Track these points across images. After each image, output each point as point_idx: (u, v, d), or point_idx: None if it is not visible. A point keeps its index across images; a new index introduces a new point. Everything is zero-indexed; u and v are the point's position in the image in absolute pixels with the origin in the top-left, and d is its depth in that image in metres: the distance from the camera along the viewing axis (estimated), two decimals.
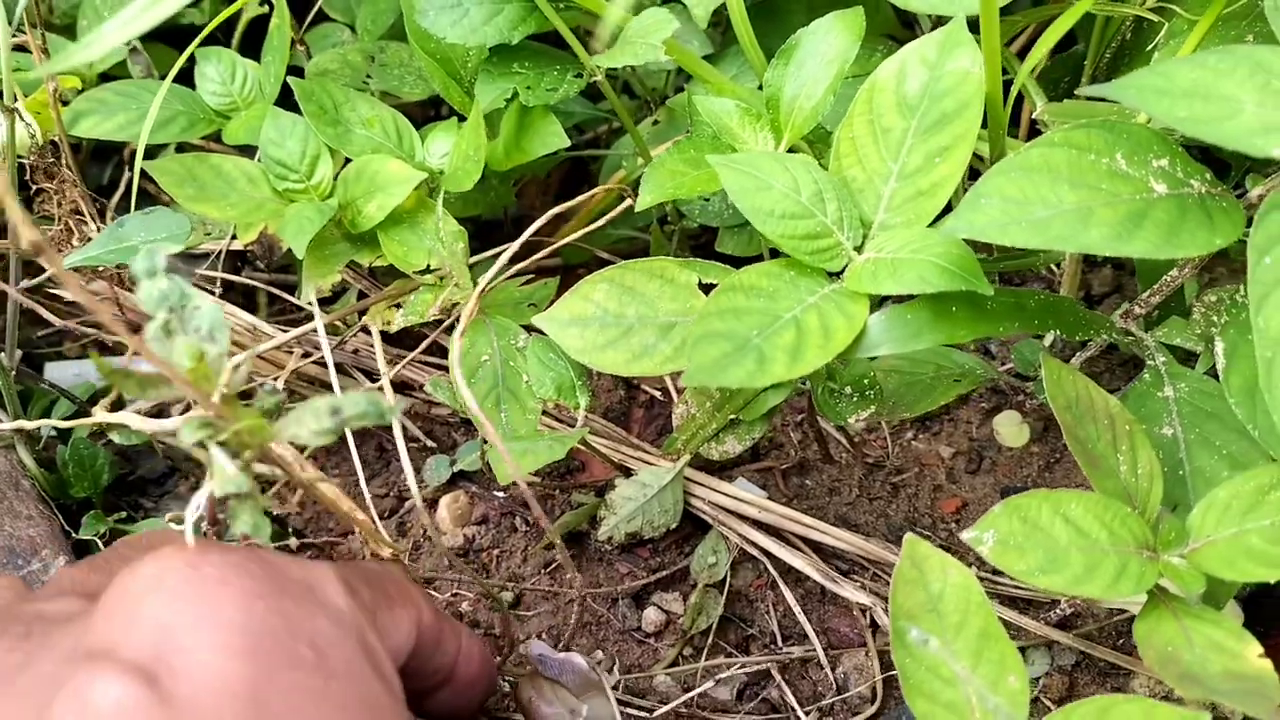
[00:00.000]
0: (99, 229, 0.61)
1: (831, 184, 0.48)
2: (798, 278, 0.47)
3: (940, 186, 0.47)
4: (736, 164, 0.48)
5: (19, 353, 0.64)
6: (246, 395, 0.35)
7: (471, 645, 0.44)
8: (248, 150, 0.65)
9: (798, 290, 0.46)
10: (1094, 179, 0.43)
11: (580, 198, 0.66)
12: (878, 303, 0.46)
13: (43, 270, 0.62)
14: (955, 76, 0.48)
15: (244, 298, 0.72)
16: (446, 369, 0.64)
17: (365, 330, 0.64)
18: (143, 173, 0.61)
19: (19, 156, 0.61)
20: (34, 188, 0.62)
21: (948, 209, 0.47)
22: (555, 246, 0.63)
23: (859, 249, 0.47)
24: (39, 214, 0.63)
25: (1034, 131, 0.63)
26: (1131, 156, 0.44)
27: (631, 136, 0.68)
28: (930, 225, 0.47)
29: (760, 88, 0.66)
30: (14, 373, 0.63)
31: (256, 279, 0.71)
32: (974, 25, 0.48)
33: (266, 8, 0.76)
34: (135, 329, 0.52)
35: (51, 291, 0.65)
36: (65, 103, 0.64)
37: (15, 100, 0.58)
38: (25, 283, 0.62)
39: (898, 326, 0.45)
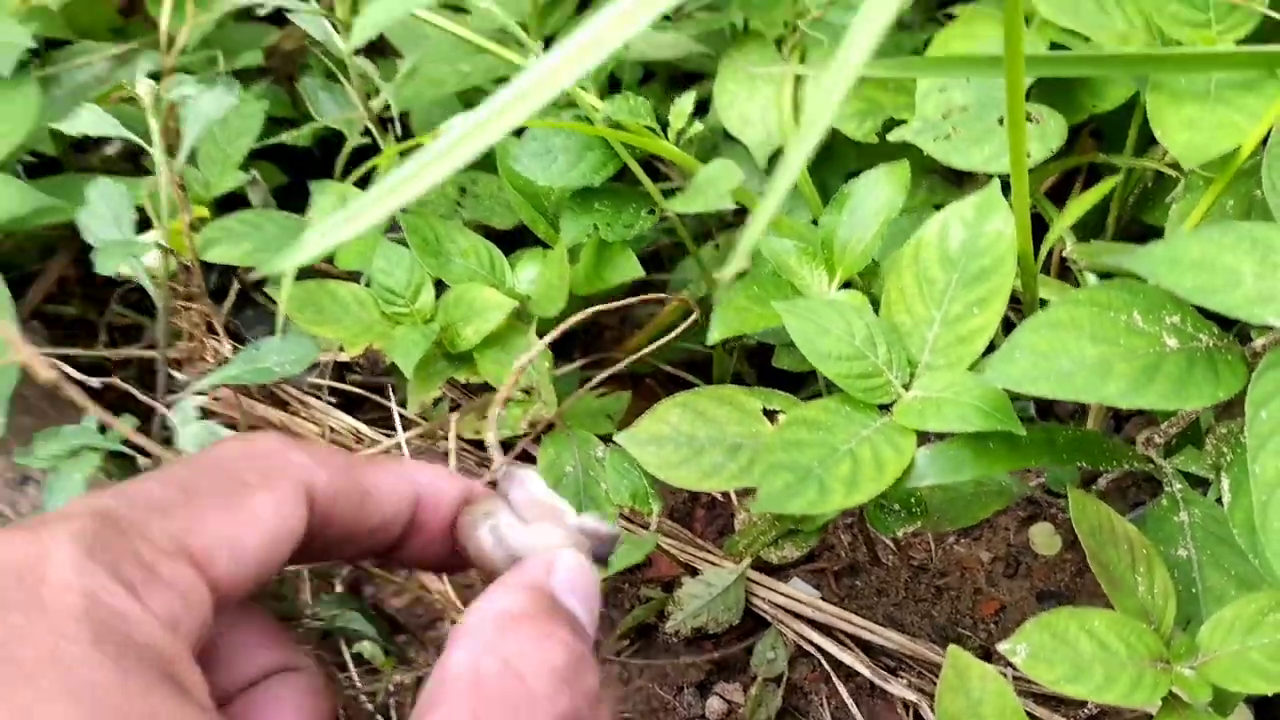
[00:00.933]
0: (231, 346, 0.68)
1: (881, 329, 0.54)
2: (852, 412, 0.53)
3: (979, 333, 0.54)
4: (799, 310, 0.55)
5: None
6: None
7: (440, 481, 0.36)
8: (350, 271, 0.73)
9: (852, 424, 0.53)
10: (1113, 334, 0.49)
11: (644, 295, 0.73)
12: (924, 435, 0.53)
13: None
14: (990, 236, 0.55)
15: (346, 400, 0.80)
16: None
17: (458, 436, 0.72)
18: (258, 284, 0.69)
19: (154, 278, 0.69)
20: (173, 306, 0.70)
21: (987, 350, 0.53)
22: (627, 362, 0.70)
23: (906, 387, 0.54)
24: (175, 329, 0.71)
25: (1064, 266, 0.69)
26: (1147, 313, 0.50)
27: (695, 260, 0.75)
28: (970, 368, 0.53)
29: (814, 221, 0.73)
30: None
31: (356, 385, 0.79)
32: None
33: (368, 139, 0.85)
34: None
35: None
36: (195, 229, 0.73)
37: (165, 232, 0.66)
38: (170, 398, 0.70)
39: (942, 460, 0.51)
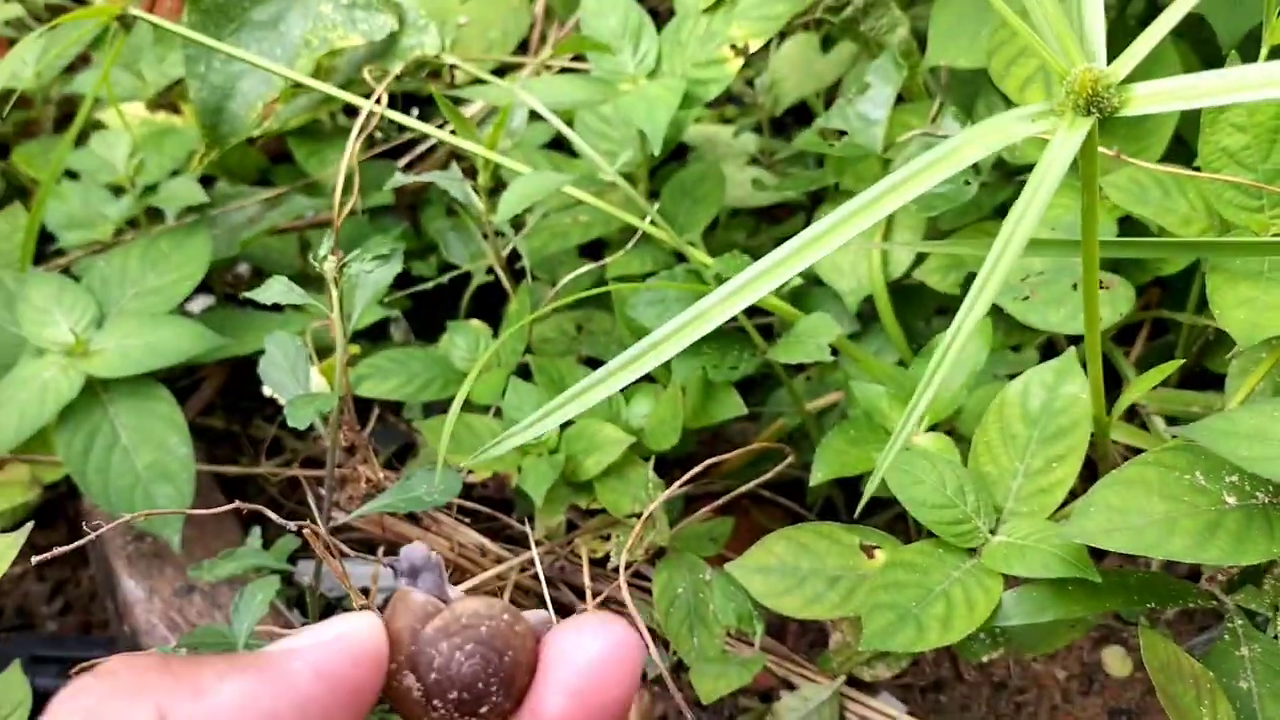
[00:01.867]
0: (383, 474, 0.77)
1: (970, 479, 0.61)
2: (944, 555, 0.60)
3: (1058, 485, 0.60)
4: (896, 461, 0.62)
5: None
6: None
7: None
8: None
9: (945, 566, 0.59)
10: (1178, 492, 0.56)
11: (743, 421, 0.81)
12: (1009, 575, 0.59)
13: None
14: (1067, 399, 0.62)
15: (473, 517, 0.88)
16: (643, 590, 0.78)
17: (574, 554, 0.79)
18: (396, 408, 0.77)
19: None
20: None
21: (1067, 499, 0.60)
22: (731, 495, 0.78)
23: (993, 532, 0.60)
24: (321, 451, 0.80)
25: (1133, 412, 0.75)
26: (1208, 473, 0.57)
27: (789, 393, 0.83)
28: (1051, 516, 0.60)
29: (900, 362, 0.81)
30: (319, 594, 0.79)
31: (483, 503, 0.87)
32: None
33: (491, 276, 0.94)
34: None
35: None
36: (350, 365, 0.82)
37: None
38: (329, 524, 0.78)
39: (1026, 602, 0.57)
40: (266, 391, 0.77)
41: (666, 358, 0.46)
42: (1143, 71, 0.45)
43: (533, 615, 0.34)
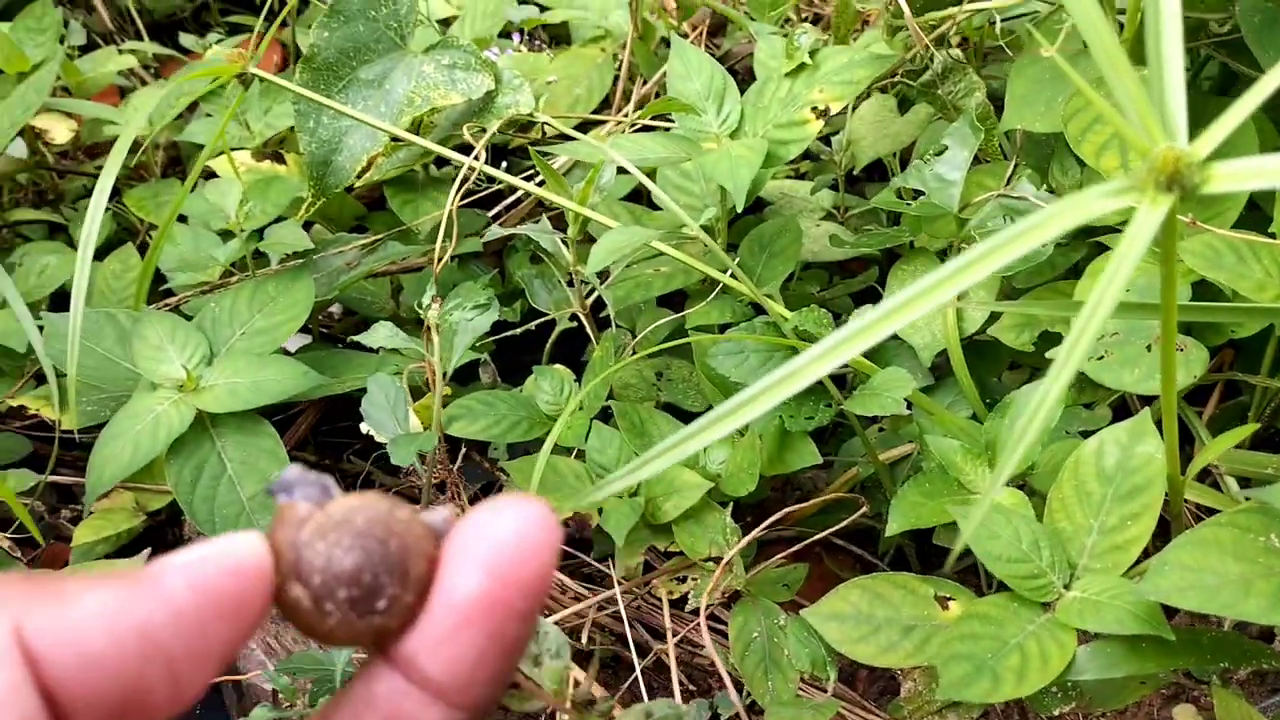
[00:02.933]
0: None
1: (1045, 534, 0.63)
2: (1019, 608, 0.62)
3: (1133, 543, 0.62)
4: (972, 516, 0.64)
5: None
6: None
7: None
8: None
9: (1019, 619, 0.61)
10: (1253, 554, 0.57)
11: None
12: (1082, 632, 0.61)
13: None
14: (1142, 458, 0.63)
15: None
16: (719, 632, 0.80)
17: (652, 594, 0.82)
18: (481, 447, 0.80)
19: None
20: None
21: (1141, 557, 0.62)
22: (807, 543, 0.80)
23: (1067, 587, 0.62)
24: (412, 486, 0.84)
25: (1206, 472, 0.76)
26: None
27: (862, 443, 0.85)
28: (1125, 574, 0.61)
29: (973, 416, 0.82)
30: None
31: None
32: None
33: (574, 322, 0.98)
34: None
35: None
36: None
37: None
38: None
39: (1100, 658, 0.59)
40: (364, 429, 0.81)
41: (756, 415, 0.48)
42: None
43: (432, 514, 0.32)
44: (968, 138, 0.83)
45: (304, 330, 1.08)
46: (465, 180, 0.80)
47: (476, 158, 0.81)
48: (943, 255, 0.87)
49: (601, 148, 0.83)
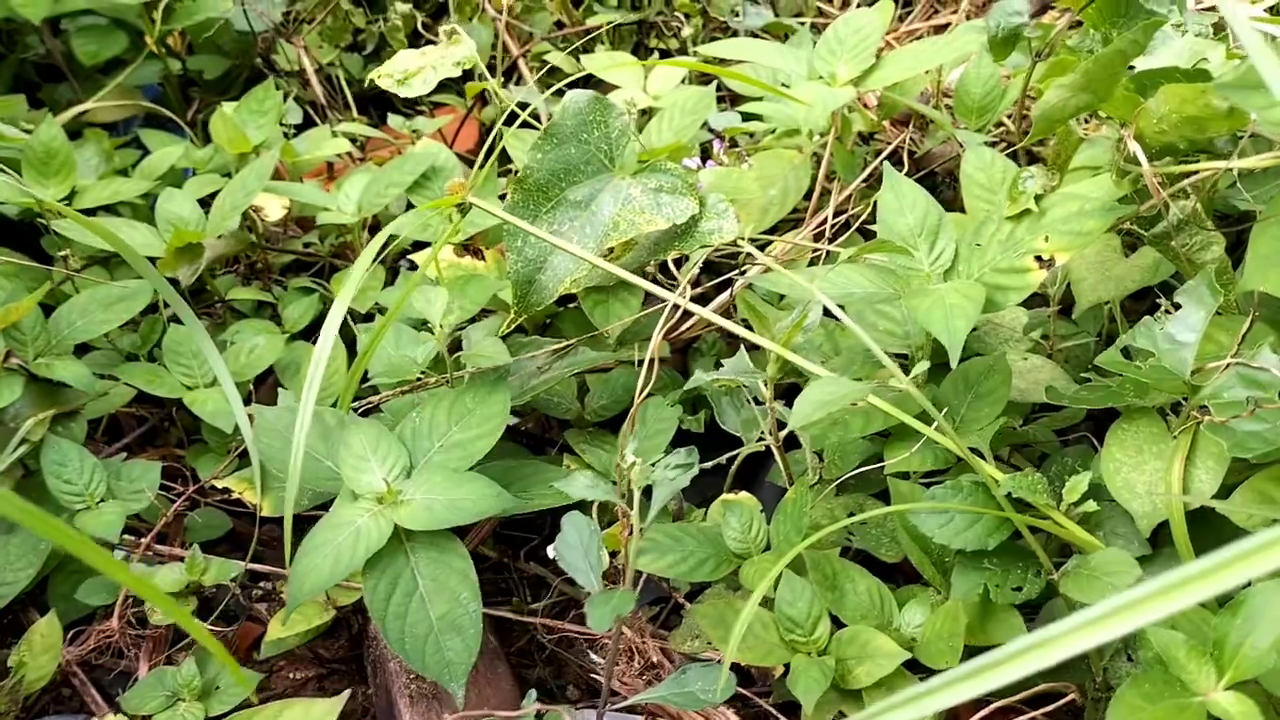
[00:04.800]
0: (649, 642, 0.80)
1: None
2: None
3: None
4: None
5: None
6: None
7: None
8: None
9: None
10: None
11: None
12: None
13: None
14: None
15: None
16: None
17: None
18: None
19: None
20: None
21: None
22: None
23: None
24: None
25: None
26: None
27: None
28: None
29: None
30: None
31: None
32: None
33: (762, 444, 0.96)
34: None
35: None
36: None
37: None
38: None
39: None
40: (550, 553, 0.81)
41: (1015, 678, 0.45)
42: None
43: None
44: (1205, 298, 0.78)
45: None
46: (670, 318, 0.79)
47: (682, 294, 0.80)
48: (1164, 413, 0.81)
49: (808, 287, 0.81)
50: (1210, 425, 0.75)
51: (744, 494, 0.90)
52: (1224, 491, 0.78)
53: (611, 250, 1.02)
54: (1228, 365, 0.76)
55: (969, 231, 0.86)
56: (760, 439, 0.95)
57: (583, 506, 0.80)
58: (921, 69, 1.14)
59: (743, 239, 0.89)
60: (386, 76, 1.18)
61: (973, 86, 1.16)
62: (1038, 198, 0.81)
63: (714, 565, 0.83)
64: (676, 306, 0.81)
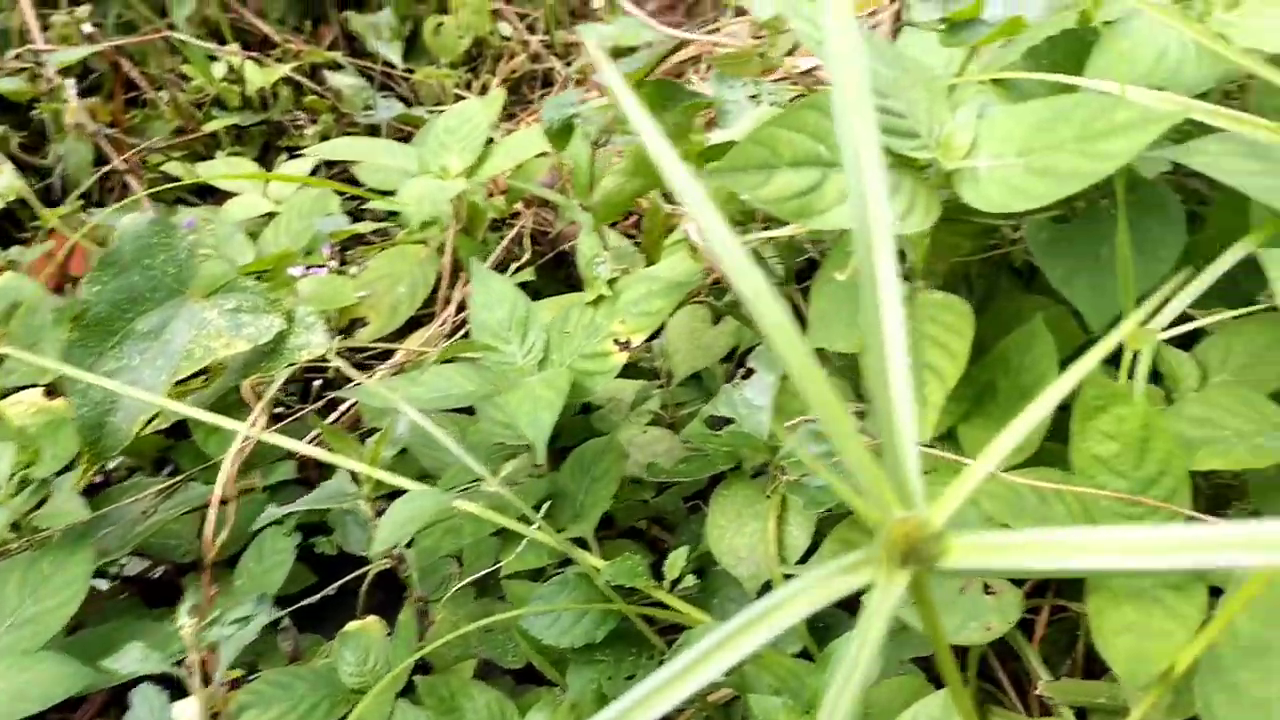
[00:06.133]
0: None
1: None
2: None
3: None
4: None
5: None
6: None
7: None
8: None
9: None
10: None
11: None
12: None
13: None
14: None
15: None
16: None
17: None
18: None
19: None
20: None
21: None
22: None
23: None
24: None
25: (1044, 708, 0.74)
26: None
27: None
28: None
29: (804, 652, 0.78)
30: None
31: None
32: None
33: (390, 561, 0.92)
34: None
35: None
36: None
37: None
38: None
39: None
40: None
41: None
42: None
43: None
44: (774, 361, 0.81)
45: (99, 573, 0.99)
46: (243, 451, 0.74)
47: (254, 424, 0.75)
48: (756, 475, 0.84)
49: (391, 397, 0.78)
50: (789, 484, 0.77)
51: (371, 619, 0.85)
52: (820, 540, 0.80)
53: (206, 373, 0.96)
54: (798, 424, 0.79)
55: (558, 319, 0.86)
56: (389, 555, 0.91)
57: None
58: (530, 154, 1.16)
59: (332, 353, 0.85)
60: None
61: (580, 168, 1.18)
62: (611, 282, 0.82)
63: (327, 708, 0.78)
64: (249, 436, 0.76)
